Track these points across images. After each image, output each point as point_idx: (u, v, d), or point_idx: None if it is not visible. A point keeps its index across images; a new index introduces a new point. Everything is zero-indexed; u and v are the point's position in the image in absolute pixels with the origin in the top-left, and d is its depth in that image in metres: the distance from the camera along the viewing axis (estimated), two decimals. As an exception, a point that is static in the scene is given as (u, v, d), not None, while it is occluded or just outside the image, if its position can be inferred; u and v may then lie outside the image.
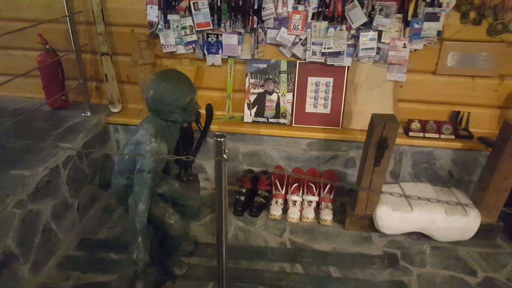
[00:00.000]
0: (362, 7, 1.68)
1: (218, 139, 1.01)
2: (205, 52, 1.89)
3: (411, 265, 1.63)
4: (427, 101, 1.90)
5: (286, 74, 1.91)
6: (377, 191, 1.70)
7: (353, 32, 1.76)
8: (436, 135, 1.85)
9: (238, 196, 1.95)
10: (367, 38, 1.74)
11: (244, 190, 1.96)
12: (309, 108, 1.93)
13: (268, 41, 1.85)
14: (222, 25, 1.81)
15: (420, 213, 1.70)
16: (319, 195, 1.93)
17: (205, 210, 1.94)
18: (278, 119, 1.96)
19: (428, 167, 1.93)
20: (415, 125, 1.87)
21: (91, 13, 1.85)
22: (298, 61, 1.88)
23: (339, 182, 1.96)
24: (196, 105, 1.37)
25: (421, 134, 1.85)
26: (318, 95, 1.91)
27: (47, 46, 1.87)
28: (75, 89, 2.01)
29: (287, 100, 1.93)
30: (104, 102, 2.11)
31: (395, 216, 1.70)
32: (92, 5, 1.83)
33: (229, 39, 1.84)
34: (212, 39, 1.86)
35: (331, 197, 1.92)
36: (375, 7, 1.68)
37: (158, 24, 1.83)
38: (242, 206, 1.92)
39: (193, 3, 1.76)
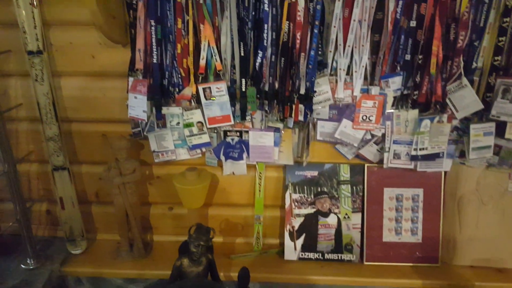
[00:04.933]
0: (472, 87, 1.18)
1: None
2: (222, 157, 1.32)
3: None
4: None
5: (349, 185, 1.35)
6: None
7: (455, 123, 1.24)
8: None
9: None
10: (480, 133, 1.22)
11: None
12: (388, 236, 1.36)
13: (318, 138, 1.30)
14: (248, 118, 1.26)
15: None
16: None
17: None
18: (340, 255, 1.38)
19: None
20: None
21: (36, 106, 1.26)
22: (366, 165, 1.33)
23: None
24: None
25: None
26: (402, 215, 1.35)
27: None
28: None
29: (353, 225, 1.36)
30: (59, 234, 1.47)
31: None
32: (37, 95, 1.25)
33: (260, 139, 1.29)
34: (232, 139, 1.30)
35: None
36: (495, 87, 1.17)
37: (147, 123, 1.25)
38: None
39: (204, 89, 1.21)
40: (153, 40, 1.17)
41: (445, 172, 1.32)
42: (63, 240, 1.42)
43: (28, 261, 1.32)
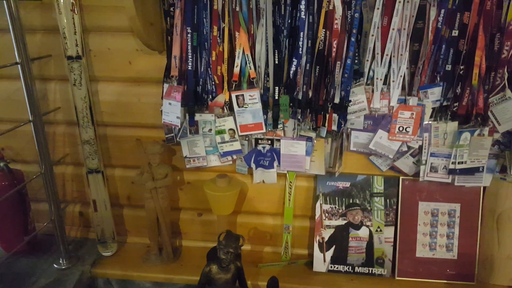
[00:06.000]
0: (516, 100, 1.13)
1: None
2: (252, 165, 1.32)
3: None
4: None
5: (382, 198, 1.32)
6: None
7: (497, 136, 1.19)
8: None
9: None
10: (524, 147, 1.17)
11: None
12: (422, 251, 1.31)
13: (352, 148, 1.28)
14: (280, 126, 1.25)
15: None
16: None
17: None
18: (371, 269, 1.34)
19: None
20: None
21: (73, 110, 1.29)
22: (401, 177, 1.30)
23: None
24: None
25: None
26: (437, 231, 1.30)
27: (1, 164, 1.29)
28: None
29: (385, 239, 1.33)
30: (91, 236, 1.50)
31: None
32: (74, 99, 1.28)
33: (292, 148, 1.27)
34: (263, 147, 1.29)
35: None
36: (542, 100, 1.12)
37: (181, 129, 1.26)
38: None
39: (237, 96, 1.21)
40: (189, 47, 1.17)
41: (484, 188, 1.26)
42: (94, 241, 1.44)
43: (61, 261, 1.35)
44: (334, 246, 1.35)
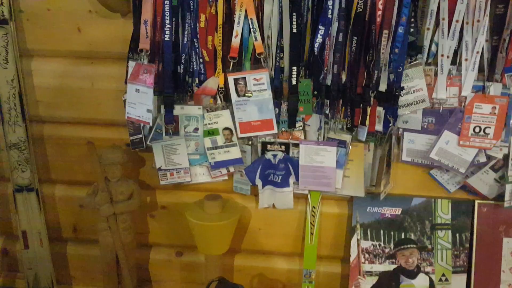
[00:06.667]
0: None
1: None
2: (258, 182, 1.32)
3: None
4: None
5: (449, 231, 1.33)
6: None
7: None
8: None
9: None
10: None
11: None
12: (507, 311, 1.32)
13: (405, 158, 1.29)
14: (299, 125, 1.27)
15: None
16: None
17: None
18: (432, 338, 1.35)
19: None
20: None
21: (-4, 100, 1.31)
22: (477, 202, 1.30)
23: None
24: None
25: None
26: (530, 281, 1.31)
27: None
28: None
29: (453, 293, 1.33)
30: (18, 284, 1.51)
31: None
32: (-1, 84, 1.30)
33: (316, 156, 1.29)
34: (274, 156, 1.30)
35: None
36: None
37: (153, 128, 1.27)
38: None
39: (236, 80, 1.22)
40: (166, 8, 1.19)
41: None
42: (22, 295, 1.46)
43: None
44: (379, 303, 1.36)
